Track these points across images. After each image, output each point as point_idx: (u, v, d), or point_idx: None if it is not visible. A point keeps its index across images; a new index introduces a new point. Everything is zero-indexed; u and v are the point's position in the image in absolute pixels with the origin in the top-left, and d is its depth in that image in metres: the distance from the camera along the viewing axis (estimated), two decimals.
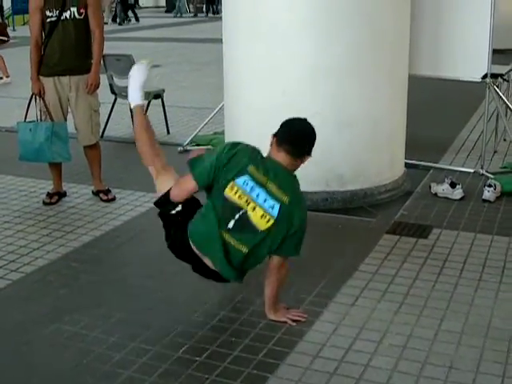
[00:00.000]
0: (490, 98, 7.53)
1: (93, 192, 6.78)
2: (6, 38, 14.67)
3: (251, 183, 3.97)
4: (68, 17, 6.22)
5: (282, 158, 4.02)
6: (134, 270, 5.05)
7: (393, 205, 6.41)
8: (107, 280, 4.88)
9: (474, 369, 3.67)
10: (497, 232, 5.69)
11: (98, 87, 6.48)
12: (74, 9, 6.22)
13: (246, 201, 3.97)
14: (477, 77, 7.29)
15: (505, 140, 8.60)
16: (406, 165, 7.13)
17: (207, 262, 4.16)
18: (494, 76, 7.59)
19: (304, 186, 6.12)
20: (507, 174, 7.26)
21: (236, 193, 3.98)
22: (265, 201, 3.97)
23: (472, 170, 7.38)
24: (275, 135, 4.06)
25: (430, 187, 6.75)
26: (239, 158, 4.02)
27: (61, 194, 6.67)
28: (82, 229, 5.85)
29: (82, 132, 6.54)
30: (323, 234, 5.63)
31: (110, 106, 9.40)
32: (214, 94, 10.79)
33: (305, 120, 4.13)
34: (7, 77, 14.44)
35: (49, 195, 6.60)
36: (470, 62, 7.27)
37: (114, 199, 6.59)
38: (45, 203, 6.48)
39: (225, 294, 4.62)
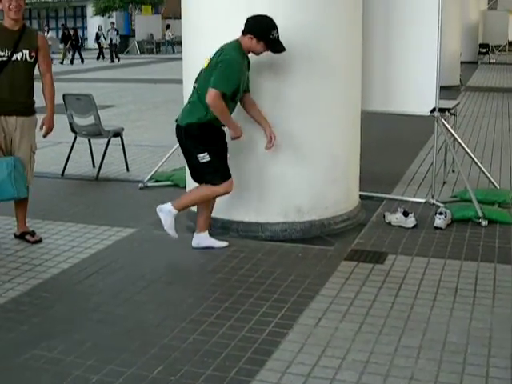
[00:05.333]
0: (438, 131, 7.87)
1: (16, 235, 6.66)
2: None
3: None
4: (19, 58, 6.25)
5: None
6: (104, 298, 5.21)
7: (349, 234, 6.68)
8: (79, 308, 5.05)
9: (434, 379, 3.93)
10: (449, 256, 6.02)
11: (51, 130, 6.54)
12: (26, 51, 6.28)
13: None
14: (426, 111, 7.61)
15: (453, 171, 8.98)
16: (361, 196, 7.43)
17: None
18: (442, 110, 7.96)
19: (264, 218, 6.44)
20: (457, 202, 7.60)
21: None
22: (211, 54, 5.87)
23: (423, 200, 7.71)
24: None
25: (384, 216, 7.04)
26: None
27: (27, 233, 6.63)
28: (50, 262, 6.00)
29: None
30: (284, 263, 5.86)
31: (70, 144, 9.55)
32: (170, 132, 10.98)
33: None
34: None
35: (30, 234, 6.58)
36: (418, 97, 7.57)
37: (40, 240, 6.53)
38: (31, 242, 6.50)
39: (194, 318, 4.82)
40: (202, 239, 6.28)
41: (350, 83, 6.86)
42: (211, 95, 5.68)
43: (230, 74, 5.75)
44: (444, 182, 8.59)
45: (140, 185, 8.57)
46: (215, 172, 5.98)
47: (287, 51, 6.03)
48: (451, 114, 8.87)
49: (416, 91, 7.59)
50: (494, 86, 22.05)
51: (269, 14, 5.91)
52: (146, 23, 45.97)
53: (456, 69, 21.01)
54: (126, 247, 6.42)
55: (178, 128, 6.04)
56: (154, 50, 46.15)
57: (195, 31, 6.74)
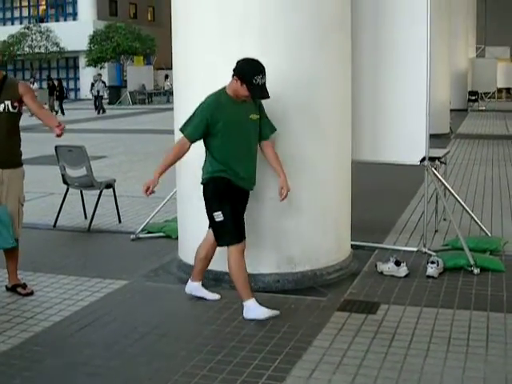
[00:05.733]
0: (428, 180, 7.92)
1: (7, 288, 6.63)
2: None
3: None
4: (2, 110, 6.25)
5: None
6: (96, 351, 5.19)
7: (342, 284, 6.68)
8: (71, 362, 5.02)
9: None
10: (441, 305, 6.02)
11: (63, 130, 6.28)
12: (7, 102, 6.27)
13: None
14: (415, 160, 7.67)
15: (445, 219, 9.02)
16: (353, 246, 7.45)
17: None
18: (432, 159, 8.02)
19: (256, 269, 6.45)
20: (449, 251, 7.62)
21: None
22: None
23: (415, 249, 7.72)
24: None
25: (375, 266, 7.05)
26: None
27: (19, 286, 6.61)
28: (41, 315, 5.98)
29: None
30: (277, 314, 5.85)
31: (62, 195, 9.57)
32: (162, 183, 11.04)
33: None
34: None
35: (21, 287, 6.56)
36: (408, 146, 7.62)
37: (32, 293, 6.50)
38: (22, 294, 6.48)
39: (187, 371, 4.80)
40: (195, 288, 6.29)
41: (341, 135, 6.92)
42: (178, 139, 5.97)
43: (193, 115, 5.90)
44: (435, 231, 8.62)
45: (132, 236, 8.58)
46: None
47: (279, 103, 6.09)
48: (441, 162, 8.92)
49: (406, 140, 7.64)
50: (484, 133, 22.22)
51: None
52: (137, 74, 46.29)
53: (446, 117, 21.19)
54: (119, 299, 6.41)
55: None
56: (146, 101, 46.44)
57: (185, 82, 6.83)
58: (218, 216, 5.82)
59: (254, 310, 5.79)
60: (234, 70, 5.82)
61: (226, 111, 5.86)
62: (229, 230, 5.86)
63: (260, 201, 6.44)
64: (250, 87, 5.76)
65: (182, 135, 5.89)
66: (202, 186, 5.99)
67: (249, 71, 5.76)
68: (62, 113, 35.31)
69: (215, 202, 5.89)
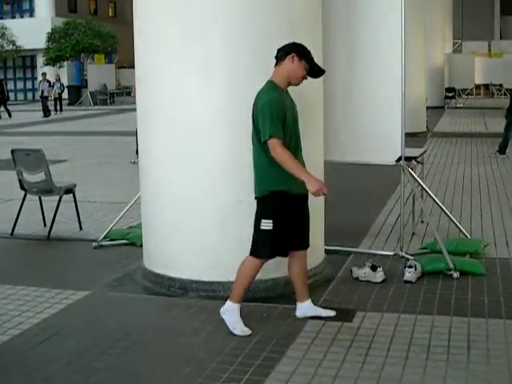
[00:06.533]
0: (405, 180, 7.96)
1: None
2: None
3: None
4: None
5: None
6: (57, 366, 5.14)
7: (315, 291, 6.64)
8: (30, 378, 4.97)
9: None
10: (420, 311, 6.04)
11: None
12: None
13: None
14: (391, 160, 7.70)
15: (422, 222, 9.09)
16: (327, 251, 7.45)
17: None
18: (408, 159, 8.05)
19: (225, 276, 6.43)
20: (427, 254, 7.66)
21: None
22: None
23: (392, 253, 7.76)
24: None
25: (351, 272, 7.06)
26: None
27: None
28: None
29: None
30: (248, 323, 5.79)
31: (20, 202, 9.49)
32: (125, 187, 11.05)
33: None
34: None
35: None
36: (384, 146, 7.67)
37: None
38: None
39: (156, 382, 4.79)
40: (308, 309, 6.05)
41: (313, 135, 6.91)
42: (271, 146, 5.44)
43: (272, 114, 5.46)
44: (413, 233, 8.66)
45: (94, 244, 8.52)
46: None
47: (247, 103, 6.11)
48: (418, 162, 8.97)
49: (381, 139, 7.68)
50: (462, 131, 22.43)
51: (229, 59, 5.97)
52: (98, 73, 46.08)
53: (422, 114, 21.36)
54: (81, 311, 6.36)
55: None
56: (108, 101, 46.26)
57: (145, 81, 6.83)
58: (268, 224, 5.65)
59: (232, 314, 5.73)
60: (284, 53, 5.69)
61: (286, 104, 5.65)
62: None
63: (228, 205, 6.44)
64: (310, 61, 5.69)
65: (271, 140, 5.43)
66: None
67: (303, 47, 5.72)
68: (9, 115, 34.62)
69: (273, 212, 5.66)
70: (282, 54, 5.69)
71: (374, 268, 6.88)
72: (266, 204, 5.63)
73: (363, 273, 6.92)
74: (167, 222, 6.67)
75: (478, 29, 48.54)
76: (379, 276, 6.85)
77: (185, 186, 6.54)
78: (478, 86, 41.58)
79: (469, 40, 44.99)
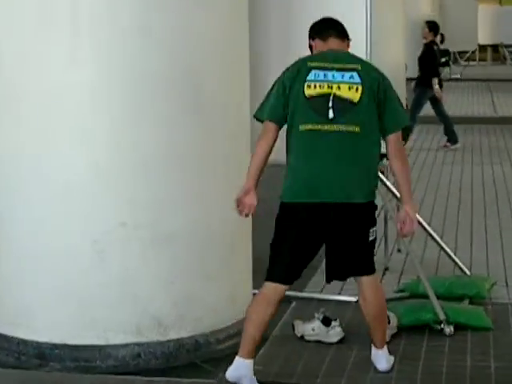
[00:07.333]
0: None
1: None
2: None
3: (320, 72, 6.01)
4: None
5: (332, 45, 6.23)
6: None
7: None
8: None
9: None
10: None
11: None
12: None
13: (328, 86, 5.98)
14: None
15: (399, 251, 9.02)
16: None
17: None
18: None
19: (103, 336, 6.40)
20: (405, 300, 7.67)
21: (315, 87, 5.98)
22: (342, 76, 6.02)
23: (354, 299, 7.69)
24: (313, 38, 6.33)
25: (293, 327, 7.05)
26: (294, 69, 6.09)
27: None
28: None
29: None
30: None
31: None
32: None
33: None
34: None
35: None
36: None
37: None
38: None
39: None
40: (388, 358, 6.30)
41: (236, 127, 6.93)
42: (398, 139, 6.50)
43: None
44: (385, 269, 8.63)
45: None
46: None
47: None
48: None
49: None
50: (459, 115, 22.44)
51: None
52: None
53: (400, 89, 21.45)
54: None
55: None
56: None
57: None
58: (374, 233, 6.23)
59: (241, 369, 5.99)
60: (346, 34, 6.42)
61: None
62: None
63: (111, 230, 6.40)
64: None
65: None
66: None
67: None
68: None
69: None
70: (345, 33, 6.42)
71: (327, 322, 6.86)
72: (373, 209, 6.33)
73: (311, 329, 6.90)
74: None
75: None
76: (334, 334, 6.83)
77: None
78: (483, 48, 42.08)
79: None
